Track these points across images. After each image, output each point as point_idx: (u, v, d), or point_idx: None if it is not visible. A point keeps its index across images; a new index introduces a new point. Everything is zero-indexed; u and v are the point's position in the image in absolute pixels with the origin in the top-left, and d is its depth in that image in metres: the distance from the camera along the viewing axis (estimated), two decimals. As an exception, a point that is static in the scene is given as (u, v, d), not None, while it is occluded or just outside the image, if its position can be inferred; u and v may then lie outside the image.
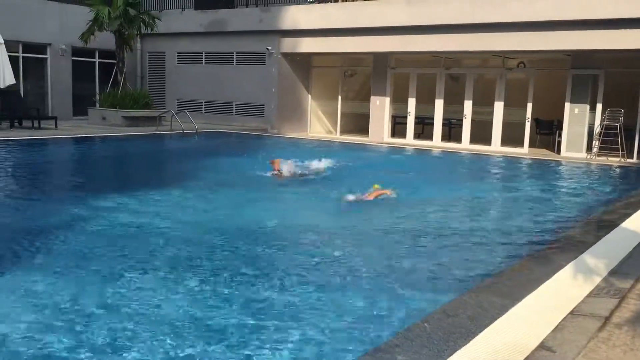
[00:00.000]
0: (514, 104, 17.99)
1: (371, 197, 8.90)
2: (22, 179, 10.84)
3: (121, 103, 19.45)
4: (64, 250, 6.04)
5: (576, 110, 16.65)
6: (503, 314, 4.10)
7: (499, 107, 17.95)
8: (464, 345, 3.55)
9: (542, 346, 3.53)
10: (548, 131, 18.40)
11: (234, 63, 21.75)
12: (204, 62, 22.45)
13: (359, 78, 22.37)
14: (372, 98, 19.94)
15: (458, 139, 18.77)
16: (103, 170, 12.94)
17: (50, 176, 11.99)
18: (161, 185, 9.60)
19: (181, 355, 3.69)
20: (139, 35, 21.14)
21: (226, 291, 4.89)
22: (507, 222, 8.24)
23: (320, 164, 12.03)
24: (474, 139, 18.38)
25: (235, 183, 10.40)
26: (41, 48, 20.64)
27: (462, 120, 18.63)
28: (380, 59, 19.64)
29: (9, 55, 17.38)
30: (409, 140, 19.48)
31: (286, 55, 20.74)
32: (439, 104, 18.91)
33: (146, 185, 9.75)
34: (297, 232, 7.14)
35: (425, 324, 3.92)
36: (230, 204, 8.65)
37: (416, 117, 19.64)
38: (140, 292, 4.82)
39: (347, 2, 19.53)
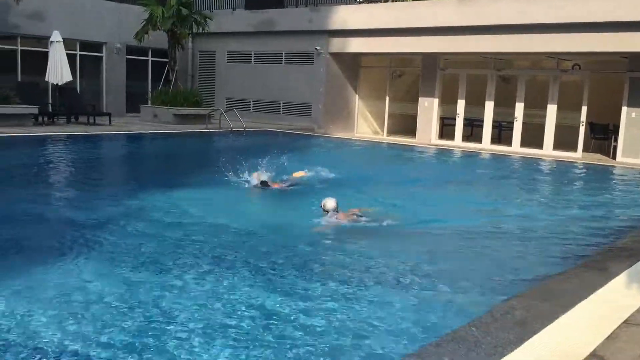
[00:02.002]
0: (567, 107, 17.49)
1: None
2: (78, 173, 11.20)
3: (172, 101, 19.85)
4: (120, 242, 6.21)
5: (633, 115, 16.06)
6: (553, 320, 3.99)
7: (551, 110, 17.49)
8: (512, 350, 3.48)
9: (593, 355, 3.42)
10: (603, 135, 17.81)
11: (283, 62, 21.91)
12: (253, 62, 22.70)
13: (407, 78, 22.20)
14: (421, 99, 19.75)
15: (508, 142, 18.38)
16: (154, 165, 13.23)
17: (104, 170, 12.37)
18: (209, 181, 9.70)
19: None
20: (190, 35, 21.52)
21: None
22: (560, 227, 8.02)
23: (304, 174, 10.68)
24: (524, 142, 17.96)
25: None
26: (97, 46, 21.28)
27: (512, 122, 18.24)
28: (430, 59, 19.43)
29: (66, 53, 17.98)
30: (457, 142, 19.20)
31: (334, 55, 20.76)
32: (489, 106, 18.57)
33: (195, 181, 9.89)
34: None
35: (473, 328, 3.85)
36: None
37: (465, 119, 19.35)
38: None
39: (396, 2, 19.41)
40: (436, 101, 19.49)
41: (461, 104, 19.16)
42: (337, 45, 20.53)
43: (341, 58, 20.88)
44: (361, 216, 7.45)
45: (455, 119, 19.37)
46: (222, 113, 19.52)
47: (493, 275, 5.60)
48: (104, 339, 3.85)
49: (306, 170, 10.42)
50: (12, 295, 4.48)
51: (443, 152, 17.61)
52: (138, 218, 7.21)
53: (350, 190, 9.60)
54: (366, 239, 6.80)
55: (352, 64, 21.37)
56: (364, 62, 21.68)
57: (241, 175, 9.51)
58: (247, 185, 9.33)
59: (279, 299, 4.62)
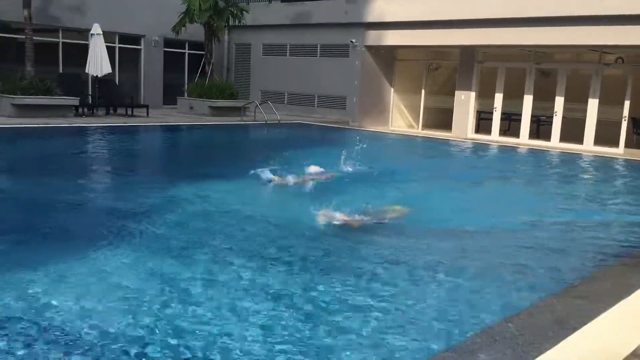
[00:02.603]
0: (609, 102, 17.03)
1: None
2: (116, 163, 11.42)
3: (208, 93, 20.03)
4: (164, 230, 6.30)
5: (679, 110, 15.56)
6: (593, 318, 3.89)
7: (593, 105, 17.05)
8: (550, 348, 3.40)
9: (634, 354, 3.32)
10: (646, 131, 17.31)
11: (318, 55, 21.89)
12: (288, 54, 22.74)
13: (443, 72, 21.94)
14: (457, 92, 19.49)
15: (547, 137, 18.01)
16: (188, 156, 13.38)
17: (141, 161, 12.57)
18: (236, 173, 9.73)
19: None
20: (227, 27, 21.69)
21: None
22: (603, 225, 7.82)
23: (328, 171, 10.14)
24: (564, 137, 17.57)
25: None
26: (136, 39, 21.61)
27: (552, 117, 17.86)
28: (467, 52, 19.15)
29: (106, 46, 18.31)
30: (494, 136, 18.89)
31: (370, 48, 20.64)
32: (528, 100, 18.21)
33: (224, 173, 9.88)
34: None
35: (510, 324, 3.79)
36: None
37: (503, 113, 19.02)
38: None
39: (434, -6, 19.16)
40: (473, 94, 19.21)
41: (499, 98, 18.84)
42: (373, 38, 20.40)
43: (377, 51, 20.75)
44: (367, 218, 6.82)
45: (492, 113, 19.06)
46: (257, 105, 19.62)
47: (532, 273, 5.49)
48: (140, 326, 3.90)
49: (322, 168, 10.03)
50: (52, 282, 4.57)
51: (479, 147, 17.35)
52: (172, 207, 7.28)
53: (374, 185, 9.39)
54: (393, 236, 6.64)
55: (388, 57, 21.21)
56: (400, 55, 21.49)
57: (265, 170, 9.34)
58: (268, 179, 9.06)
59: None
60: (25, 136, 13.51)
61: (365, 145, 11.68)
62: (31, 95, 15.41)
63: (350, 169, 10.67)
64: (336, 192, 8.45)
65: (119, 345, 3.60)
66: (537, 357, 3.27)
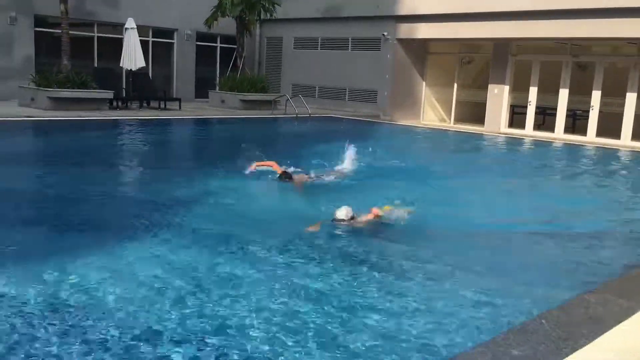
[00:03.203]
0: (648, 96, 16.56)
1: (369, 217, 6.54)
2: (149, 155, 11.58)
3: (239, 87, 20.14)
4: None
5: None
6: (629, 316, 3.79)
7: (631, 99, 16.60)
8: (585, 345, 3.32)
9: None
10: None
11: (349, 49, 21.80)
12: (319, 48, 22.70)
13: (476, 65, 21.62)
14: (490, 86, 19.19)
15: (582, 132, 17.61)
16: (217, 149, 13.45)
17: (173, 153, 12.72)
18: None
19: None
20: (258, 21, 21.75)
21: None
22: (635, 222, 7.63)
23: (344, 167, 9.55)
24: (600, 132, 17.15)
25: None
26: (169, 33, 21.84)
27: (588, 111, 17.45)
28: (501, 45, 18.82)
29: (140, 40, 18.54)
30: (528, 131, 18.56)
31: (402, 41, 20.46)
32: (564, 94, 17.82)
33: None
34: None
35: (543, 321, 3.71)
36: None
37: (537, 107, 18.66)
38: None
39: (467, -14, 18.86)
40: (507, 88, 18.88)
41: (533, 92, 18.49)
42: (405, 31, 20.22)
43: (409, 44, 20.56)
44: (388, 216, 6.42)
45: (526, 107, 18.72)
46: (287, 99, 19.65)
47: (567, 270, 5.38)
48: (172, 314, 3.95)
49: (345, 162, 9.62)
50: (89, 270, 4.65)
51: (513, 141, 17.07)
52: (201, 198, 7.34)
53: (394, 182, 9.14)
54: (419, 239, 6.46)
55: (420, 50, 21.00)
56: (432, 48, 21.26)
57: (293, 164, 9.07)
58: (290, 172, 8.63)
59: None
60: (61, 129, 13.78)
61: (396, 140, 11.54)
62: (67, 88, 15.71)
63: (378, 164, 10.59)
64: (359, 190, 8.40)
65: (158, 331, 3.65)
66: (570, 354, 3.19)
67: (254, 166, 8.56)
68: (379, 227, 6.37)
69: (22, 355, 3.33)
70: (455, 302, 4.38)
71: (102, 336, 3.59)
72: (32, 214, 6.67)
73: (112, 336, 3.60)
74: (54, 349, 3.41)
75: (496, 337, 3.49)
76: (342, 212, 6.25)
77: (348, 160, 9.51)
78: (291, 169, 8.62)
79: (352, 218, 6.32)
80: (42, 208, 6.93)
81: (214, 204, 7.23)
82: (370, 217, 6.44)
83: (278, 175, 8.35)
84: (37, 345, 3.47)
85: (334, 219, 6.26)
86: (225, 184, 8.28)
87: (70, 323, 3.75)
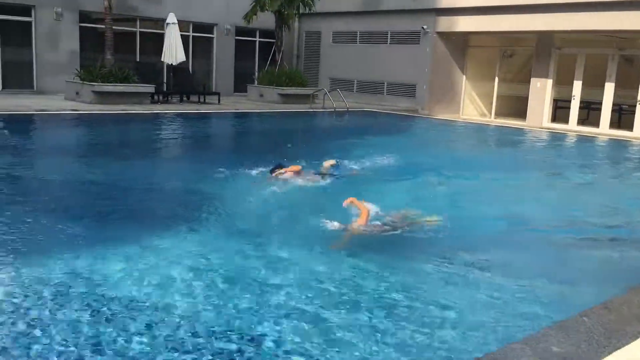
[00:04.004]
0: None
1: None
2: (190, 148, 11.77)
3: (277, 81, 20.21)
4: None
5: None
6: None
7: (681, 93, 16.03)
8: (628, 344, 3.23)
9: None
10: None
11: (388, 42, 21.63)
12: (358, 42, 22.60)
13: (518, 58, 21.18)
14: (533, 80, 18.78)
15: (629, 127, 17.08)
16: (254, 143, 13.53)
17: (211, 146, 12.88)
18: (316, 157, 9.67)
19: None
20: (297, 15, 21.77)
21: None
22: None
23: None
24: (648, 127, 16.62)
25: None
26: (209, 28, 22.07)
27: (634, 106, 16.90)
28: (544, 38, 18.39)
29: (180, 35, 18.79)
30: (572, 126, 18.10)
31: (441, 34, 20.20)
32: (609, 88, 17.31)
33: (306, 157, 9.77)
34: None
35: (584, 318, 3.62)
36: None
37: (581, 102, 18.18)
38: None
39: (510, -22, 18.48)
40: (550, 82, 18.45)
41: (577, 85, 18.02)
42: (445, 24, 19.95)
43: (448, 37, 20.28)
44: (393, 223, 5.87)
45: (570, 101, 18.27)
46: (325, 93, 19.65)
47: (610, 268, 5.24)
48: (210, 304, 4.01)
49: (337, 159, 9.16)
50: (128, 260, 4.76)
51: (556, 136, 16.68)
52: (236, 191, 7.40)
53: (414, 182, 8.79)
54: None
55: (460, 43, 20.69)
56: (473, 41, 20.92)
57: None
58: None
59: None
60: (105, 122, 14.11)
61: (437, 134, 11.37)
62: (110, 82, 16.05)
63: (420, 160, 10.48)
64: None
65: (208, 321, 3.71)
66: (613, 352, 3.11)
67: (277, 173, 7.89)
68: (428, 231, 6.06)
69: (61, 338, 3.43)
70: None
71: (141, 323, 3.67)
72: (78, 204, 6.85)
73: (154, 323, 3.67)
74: (98, 336, 3.50)
75: (535, 333, 3.42)
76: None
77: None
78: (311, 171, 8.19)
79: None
80: (87, 198, 7.11)
81: (251, 197, 7.27)
82: (397, 217, 6.03)
83: (270, 170, 7.83)
84: (81, 330, 3.56)
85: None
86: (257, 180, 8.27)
87: (112, 311, 3.84)
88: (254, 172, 8.18)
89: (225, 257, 4.99)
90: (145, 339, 3.46)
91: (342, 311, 3.97)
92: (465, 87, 21.12)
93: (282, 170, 7.83)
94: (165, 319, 3.74)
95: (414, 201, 7.27)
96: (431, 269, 4.96)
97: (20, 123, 12.86)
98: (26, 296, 4.00)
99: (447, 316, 4.00)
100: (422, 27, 20.29)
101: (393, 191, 7.91)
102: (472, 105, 21.49)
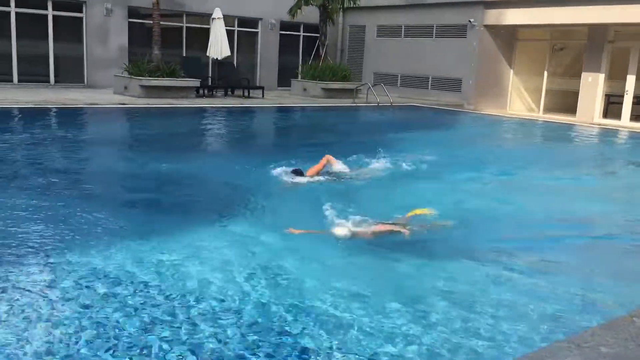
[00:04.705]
0: None
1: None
2: (235, 141, 11.88)
3: (321, 75, 20.20)
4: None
5: None
6: None
7: None
8: (683, 347, 3.08)
9: None
10: None
11: (433, 36, 21.34)
12: (402, 36, 22.37)
13: (569, 52, 20.57)
14: (584, 74, 18.21)
15: (686, 123, 16.40)
16: (295, 137, 13.58)
17: (257, 140, 12.98)
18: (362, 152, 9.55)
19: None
20: (341, 9, 21.70)
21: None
22: None
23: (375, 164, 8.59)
24: None
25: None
26: (253, 22, 22.23)
27: (693, 101, 16.21)
28: (597, 31, 17.79)
29: (226, 29, 18.97)
30: (624, 122, 17.48)
31: (489, 27, 19.79)
32: (665, 82, 16.65)
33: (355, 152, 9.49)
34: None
35: (634, 319, 3.47)
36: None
37: (635, 97, 17.53)
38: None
39: (561, -31, 17.95)
40: (602, 77, 17.85)
41: (631, 80, 17.37)
42: (493, 17, 19.54)
43: (496, 31, 19.86)
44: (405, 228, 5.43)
45: (623, 97, 17.63)
46: (369, 87, 19.53)
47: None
48: (259, 296, 4.03)
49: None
50: (177, 251, 4.83)
51: (608, 133, 16.14)
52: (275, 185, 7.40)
53: (489, 178, 8.63)
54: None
55: (508, 37, 20.23)
56: (521, 34, 20.42)
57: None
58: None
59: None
60: (152, 115, 14.39)
61: (469, 129, 11.10)
62: (157, 77, 16.35)
63: (467, 157, 10.28)
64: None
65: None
66: (666, 355, 2.97)
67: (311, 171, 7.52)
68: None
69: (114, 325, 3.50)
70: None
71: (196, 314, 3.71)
72: (127, 195, 7.00)
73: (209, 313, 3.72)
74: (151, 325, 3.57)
75: (583, 332, 3.31)
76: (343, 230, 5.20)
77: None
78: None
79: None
80: (136, 189, 7.26)
81: (295, 191, 7.28)
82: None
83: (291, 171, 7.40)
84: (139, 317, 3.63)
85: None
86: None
87: (164, 300, 3.91)
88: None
89: (265, 250, 5.00)
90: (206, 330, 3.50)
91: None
92: (513, 81, 20.66)
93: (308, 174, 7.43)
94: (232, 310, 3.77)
95: (462, 199, 7.15)
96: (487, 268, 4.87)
97: (71, 116, 13.23)
98: (85, 284, 4.10)
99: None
100: (469, 21, 19.93)
101: (437, 188, 7.80)
102: (520, 100, 21.01)
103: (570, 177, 9.28)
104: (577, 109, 18.37)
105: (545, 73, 19.99)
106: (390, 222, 5.64)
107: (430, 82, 21.62)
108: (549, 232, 6.14)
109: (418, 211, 5.91)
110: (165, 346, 3.29)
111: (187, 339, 3.39)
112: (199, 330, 3.49)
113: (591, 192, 8.39)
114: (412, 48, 21.88)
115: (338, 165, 7.84)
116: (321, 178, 7.51)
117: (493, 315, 3.92)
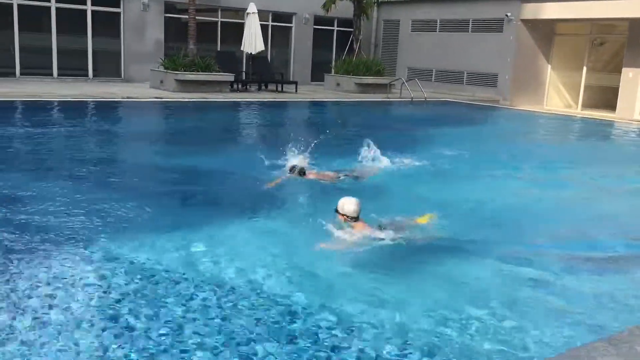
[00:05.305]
0: None
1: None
2: (267, 135, 11.95)
3: (355, 70, 20.12)
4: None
5: None
6: None
7: None
8: None
9: None
10: None
11: (469, 31, 21.05)
12: (437, 30, 22.13)
13: (609, 47, 20.04)
14: (624, 70, 17.73)
15: None
16: (340, 131, 13.50)
17: (288, 134, 12.97)
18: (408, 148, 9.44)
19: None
20: (376, 4, 21.58)
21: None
22: None
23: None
24: None
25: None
26: (287, 17, 22.27)
27: None
28: (638, 25, 17.28)
29: (260, 24, 19.05)
30: (667, 118, 16.99)
31: (526, 22, 19.43)
32: None
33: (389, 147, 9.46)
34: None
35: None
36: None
37: (678, 93, 17.00)
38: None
39: (603, -39, 17.48)
40: (643, 72, 17.36)
41: (675, 76, 16.86)
42: (531, 11, 19.16)
43: (534, 25, 19.48)
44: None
45: (665, 93, 17.11)
46: (403, 82, 19.39)
47: None
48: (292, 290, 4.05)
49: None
50: (208, 243, 4.89)
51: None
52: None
53: (502, 177, 8.30)
54: None
55: (546, 31, 19.83)
56: (560, 29, 19.99)
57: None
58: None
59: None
60: (187, 109, 14.55)
61: (518, 126, 10.87)
62: (192, 71, 16.52)
63: (498, 153, 10.11)
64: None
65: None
66: None
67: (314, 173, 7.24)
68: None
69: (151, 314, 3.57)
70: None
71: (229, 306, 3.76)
72: (164, 188, 7.09)
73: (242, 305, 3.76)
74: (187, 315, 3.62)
75: (620, 332, 3.23)
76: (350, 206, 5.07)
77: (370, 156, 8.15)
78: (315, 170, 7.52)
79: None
80: (172, 182, 7.35)
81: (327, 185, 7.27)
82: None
83: (292, 169, 7.15)
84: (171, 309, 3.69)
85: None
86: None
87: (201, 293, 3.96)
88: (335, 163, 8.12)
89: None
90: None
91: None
92: (551, 77, 20.25)
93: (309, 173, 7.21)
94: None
95: (503, 200, 7.00)
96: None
97: (108, 109, 13.48)
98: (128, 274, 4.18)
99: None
100: (506, 15, 19.59)
101: (473, 187, 7.70)
102: (557, 95, 20.58)
103: (611, 177, 9.02)
104: (617, 106, 17.90)
105: (584, 68, 19.53)
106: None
107: (465, 77, 21.35)
108: (598, 232, 6.01)
109: (422, 219, 5.61)
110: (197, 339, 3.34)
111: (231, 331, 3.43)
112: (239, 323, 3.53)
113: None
114: (447, 43, 21.63)
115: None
116: (341, 176, 7.45)
117: (535, 313, 3.86)
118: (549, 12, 18.69)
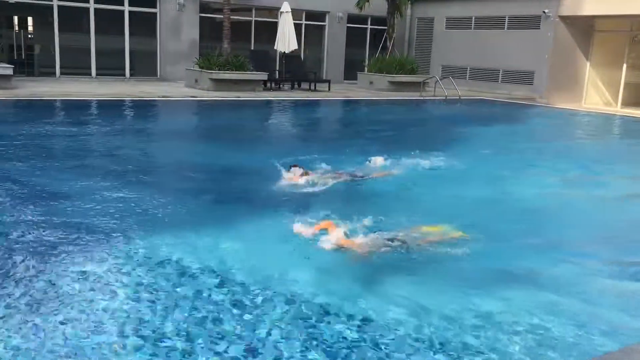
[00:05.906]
0: None
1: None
2: (298, 133, 11.99)
3: (388, 68, 20.02)
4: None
5: None
6: None
7: None
8: None
9: None
10: None
11: (505, 28, 20.74)
12: (472, 27, 21.85)
13: (651, 43, 19.52)
14: (666, 66, 17.24)
15: None
16: (357, 131, 13.49)
17: (320, 132, 13.03)
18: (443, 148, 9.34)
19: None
20: (410, 1, 21.42)
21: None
22: None
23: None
24: None
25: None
26: (321, 16, 22.29)
27: None
28: (682, 20, 16.80)
29: (293, 23, 19.10)
30: None
31: (564, 18, 19.03)
32: None
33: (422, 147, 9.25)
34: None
35: None
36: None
37: None
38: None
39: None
40: (687, 69, 16.85)
41: None
42: (569, 7, 18.77)
43: (572, 22, 19.07)
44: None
45: None
46: (437, 81, 19.21)
47: None
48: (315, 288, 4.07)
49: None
50: (231, 239, 4.95)
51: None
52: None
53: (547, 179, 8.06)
54: None
55: (585, 27, 19.39)
56: (599, 25, 19.52)
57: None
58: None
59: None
60: (221, 108, 14.71)
61: (559, 125, 10.57)
62: (227, 70, 16.67)
63: (538, 153, 9.89)
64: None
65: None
66: None
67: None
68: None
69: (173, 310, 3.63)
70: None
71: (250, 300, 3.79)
72: (197, 185, 7.18)
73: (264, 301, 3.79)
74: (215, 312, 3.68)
75: (636, 343, 3.16)
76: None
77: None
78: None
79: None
80: (205, 179, 7.45)
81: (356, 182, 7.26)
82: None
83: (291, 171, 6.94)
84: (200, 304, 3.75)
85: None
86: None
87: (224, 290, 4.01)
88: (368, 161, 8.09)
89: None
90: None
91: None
92: (589, 74, 19.80)
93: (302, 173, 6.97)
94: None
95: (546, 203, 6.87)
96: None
97: (145, 108, 13.72)
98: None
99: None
100: (544, 11, 19.24)
101: (503, 188, 7.59)
102: (597, 93, 20.12)
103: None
104: (659, 103, 17.42)
105: (624, 65, 19.05)
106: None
107: (500, 75, 21.04)
108: None
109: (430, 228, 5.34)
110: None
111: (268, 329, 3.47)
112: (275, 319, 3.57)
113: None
114: (482, 40, 21.34)
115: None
116: (358, 174, 7.40)
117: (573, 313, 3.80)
118: (588, 8, 18.28)
